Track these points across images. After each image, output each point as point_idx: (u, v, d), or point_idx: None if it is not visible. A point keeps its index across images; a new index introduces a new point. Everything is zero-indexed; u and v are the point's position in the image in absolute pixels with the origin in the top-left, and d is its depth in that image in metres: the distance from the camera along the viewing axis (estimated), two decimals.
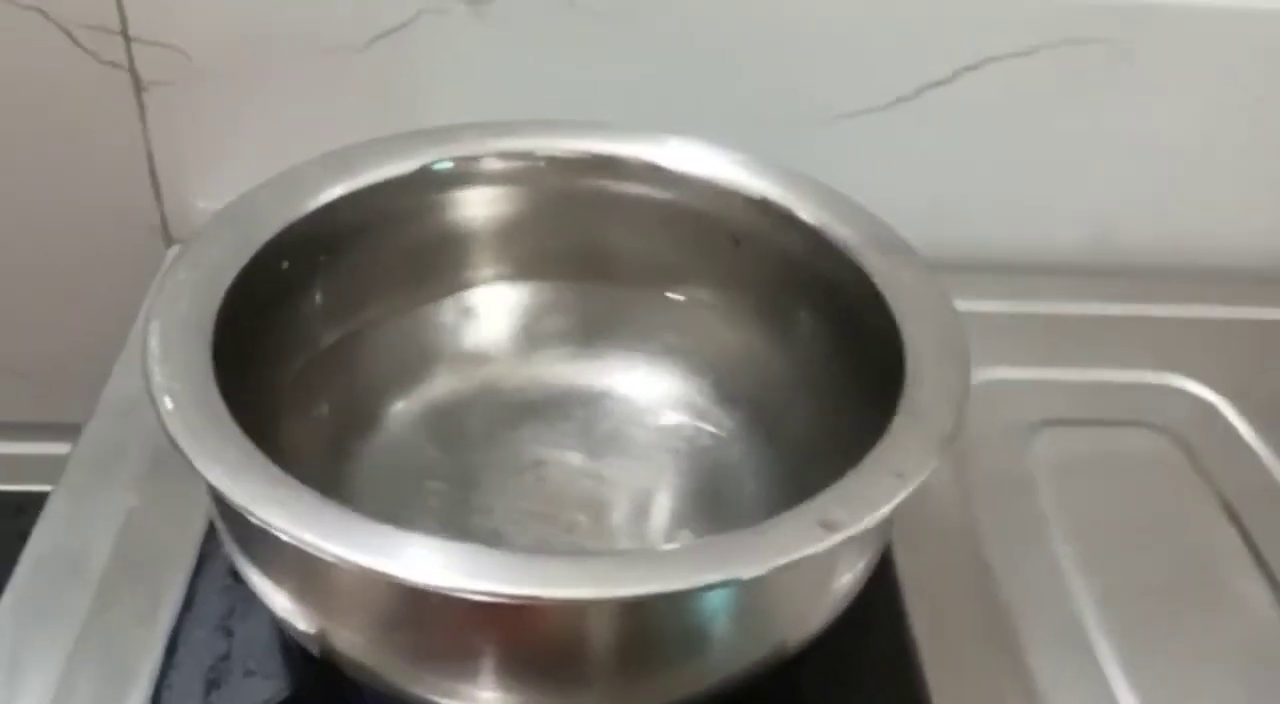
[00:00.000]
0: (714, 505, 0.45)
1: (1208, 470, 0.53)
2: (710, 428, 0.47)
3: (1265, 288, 0.62)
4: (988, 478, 0.52)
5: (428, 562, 0.30)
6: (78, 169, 0.59)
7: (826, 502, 0.33)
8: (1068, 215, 0.63)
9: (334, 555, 0.30)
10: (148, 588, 0.44)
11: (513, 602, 0.30)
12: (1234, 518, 0.51)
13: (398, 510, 0.44)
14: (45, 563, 0.45)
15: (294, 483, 0.32)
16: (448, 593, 0.29)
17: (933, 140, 0.59)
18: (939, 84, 0.58)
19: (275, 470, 0.32)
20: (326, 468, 0.44)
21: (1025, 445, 0.53)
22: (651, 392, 0.48)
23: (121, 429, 0.50)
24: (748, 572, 0.32)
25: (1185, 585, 0.48)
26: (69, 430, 0.51)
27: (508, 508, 0.44)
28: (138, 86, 0.57)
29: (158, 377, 0.34)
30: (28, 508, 0.50)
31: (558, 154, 0.46)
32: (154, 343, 0.35)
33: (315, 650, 0.36)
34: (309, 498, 0.31)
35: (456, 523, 0.44)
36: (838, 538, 0.32)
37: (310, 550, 0.30)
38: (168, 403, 0.33)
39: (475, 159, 0.45)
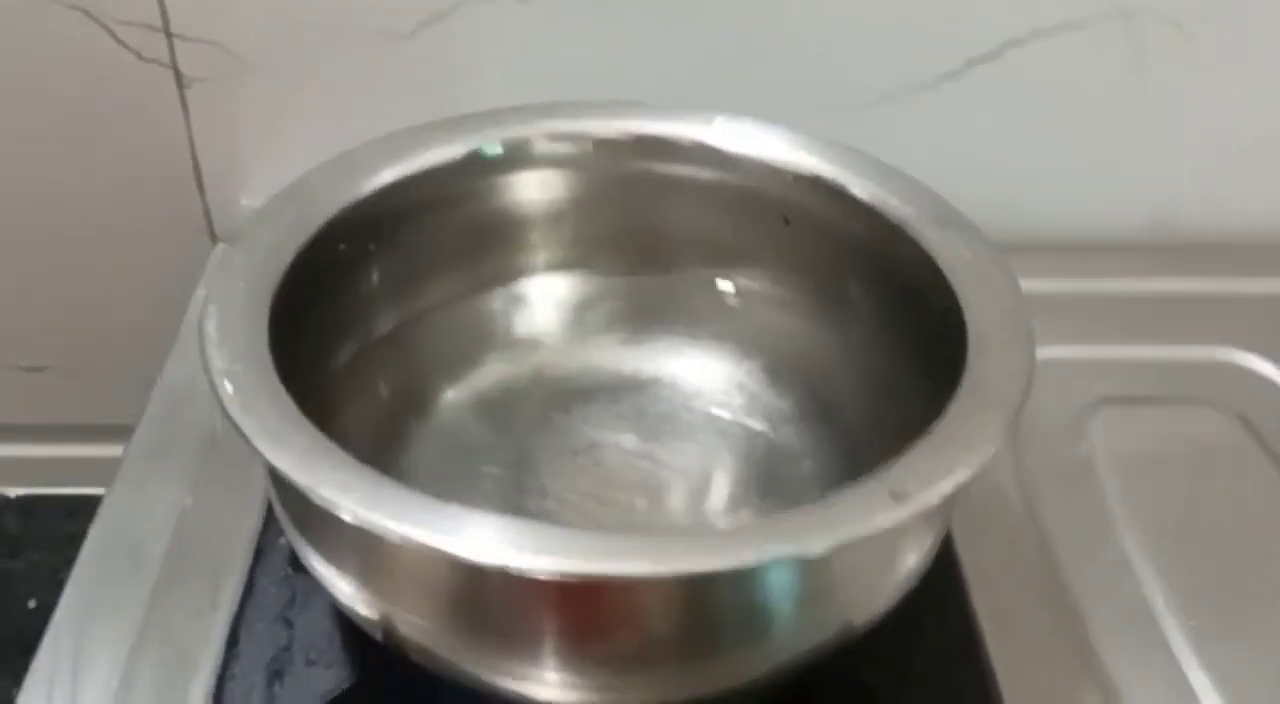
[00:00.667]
0: (771, 486, 0.45)
1: (1272, 448, 0.51)
2: (763, 410, 0.47)
3: None
4: (1047, 460, 0.51)
5: (492, 539, 0.30)
6: (122, 167, 0.59)
7: (895, 474, 0.32)
8: (1124, 194, 0.62)
9: (400, 534, 0.30)
10: (206, 580, 0.44)
11: (577, 580, 0.29)
12: None
13: (454, 494, 0.43)
14: (104, 557, 0.45)
15: (356, 464, 0.32)
16: (511, 571, 0.29)
17: (981, 117, 0.58)
18: (986, 60, 0.57)
19: (338, 452, 0.32)
20: (382, 451, 0.43)
21: (1085, 425, 0.52)
22: (704, 376, 0.48)
23: (174, 426, 0.50)
24: (817, 545, 0.31)
25: (1254, 571, 0.46)
26: (117, 432, 0.51)
27: (563, 490, 0.44)
28: (180, 83, 0.57)
29: (217, 361, 0.34)
30: (78, 511, 0.50)
31: (606, 135, 0.45)
32: (211, 327, 0.35)
33: (378, 635, 0.36)
34: (372, 478, 0.31)
35: (512, 505, 0.43)
36: (909, 510, 0.31)
37: (376, 530, 0.30)
38: (228, 387, 0.33)
39: (525, 142, 0.44)
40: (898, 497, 0.31)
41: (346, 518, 0.30)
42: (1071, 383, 0.54)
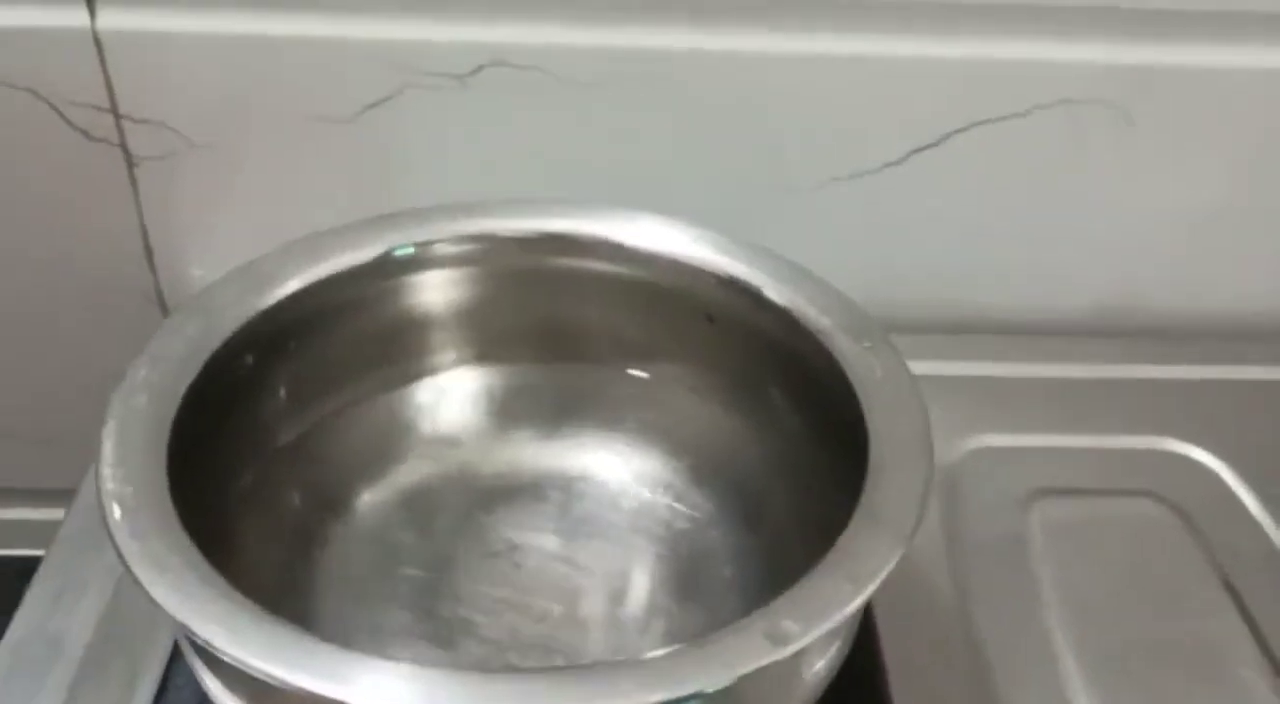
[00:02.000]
0: (691, 592, 0.45)
1: (1207, 540, 0.51)
2: (687, 510, 0.47)
3: (1269, 347, 0.61)
4: (980, 548, 0.50)
5: (341, 673, 0.30)
6: (72, 243, 0.60)
7: (777, 611, 0.32)
8: (1069, 281, 0.62)
9: (260, 671, 0.30)
10: (125, 671, 0.44)
11: None
12: (1232, 591, 0.49)
13: (369, 598, 0.43)
14: (23, 649, 0.45)
15: (238, 598, 0.32)
16: None
17: (924, 205, 0.59)
18: (928, 147, 0.57)
19: (220, 582, 0.32)
20: (297, 555, 0.43)
21: (1020, 515, 0.52)
22: (626, 473, 0.48)
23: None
24: (699, 685, 0.31)
25: (1181, 663, 0.46)
26: (68, 496, 0.51)
27: (480, 595, 0.44)
28: (129, 162, 0.57)
29: (109, 483, 0.34)
30: (28, 573, 0.50)
31: (518, 234, 0.45)
32: (108, 446, 0.35)
33: None
34: (249, 613, 0.31)
35: (427, 610, 0.43)
36: (788, 651, 0.31)
37: (241, 666, 0.30)
38: (116, 511, 0.33)
39: (436, 243, 0.45)
40: (777, 639, 0.31)
41: (219, 655, 0.30)
42: (1009, 471, 0.54)
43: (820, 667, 0.37)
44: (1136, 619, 0.48)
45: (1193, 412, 0.57)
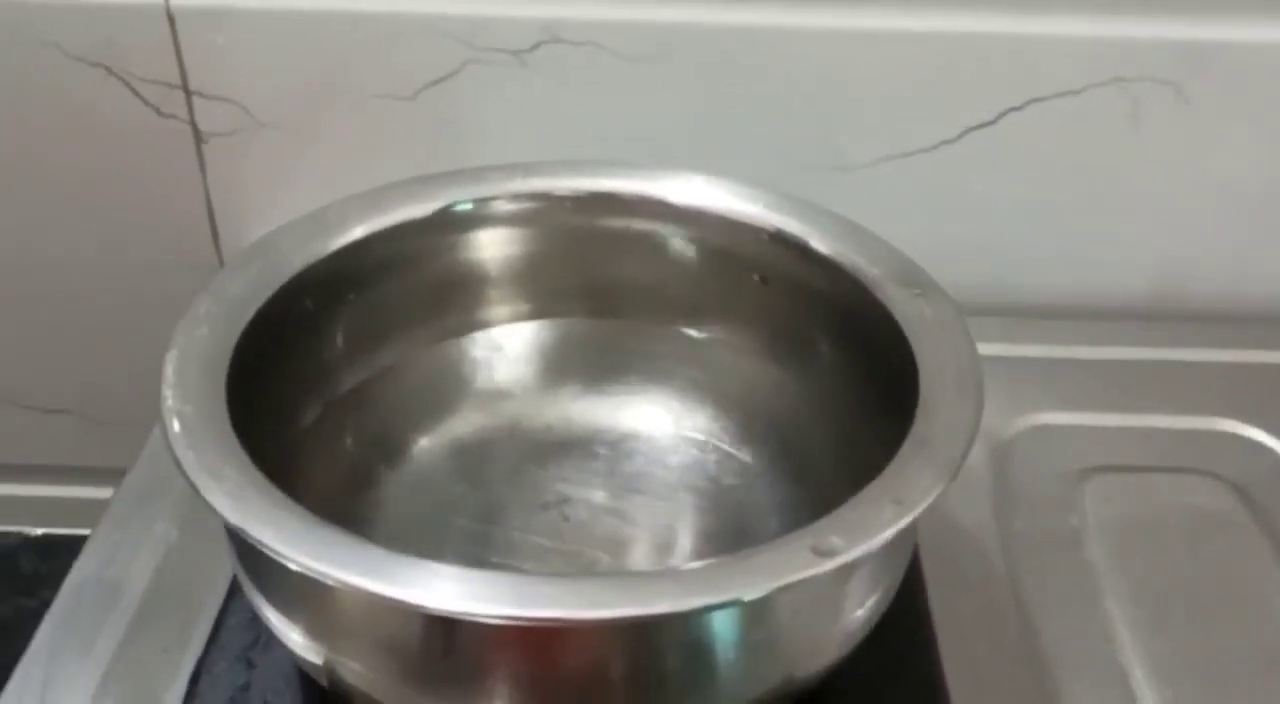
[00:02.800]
0: (738, 544, 0.44)
1: (1267, 520, 0.50)
2: (735, 465, 0.47)
3: None
4: (1034, 526, 0.50)
5: (392, 573, 0.30)
6: (139, 218, 0.61)
7: (823, 528, 0.32)
8: (1126, 261, 0.61)
9: (313, 569, 0.30)
10: (179, 619, 0.45)
11: (485, 621, 0.30)
12: None
13: (419, 545, 0.44)
14: (84, 592, 0.46)
15: (288, 502, 0.32)
16: (409, 606, 0.29)
17: (978, 184, 0.59)
18: (983, 126, 0.57)
19: (275, 492, 0.33)
20: (351, 502, 0.44)
21: (1074, 493, 0.51)
22: (675, 428, 0.48)
23: (168, 466, 0.51)
24: (737, 594, 0.31)
25: (1243, 648, 0.45)
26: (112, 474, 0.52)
27: (529, 544, 0.44)
28: (198, 139, 0.59)
29: (169, 400, 0.35)
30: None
31: (572, 192, 0.46)
32: (169, 369, 0.36)
33: (323, 681, 0.37)
34: (302, 518, 0.32)
35: (477, 558, 0.44)
36: (831, 564, 0.31)
37: (298, 566, 0.30)
38: (175, 425, 0.34)
39: (494, 199, 0.45)
40: (822, 552, 0.31)
41: (270, 554, 0.31)
42: (1065, 450, 0.54)
43: (864, 610, 0.37)
44: (1194, 595, 0.47)
45: (1250, 393, 0.56)
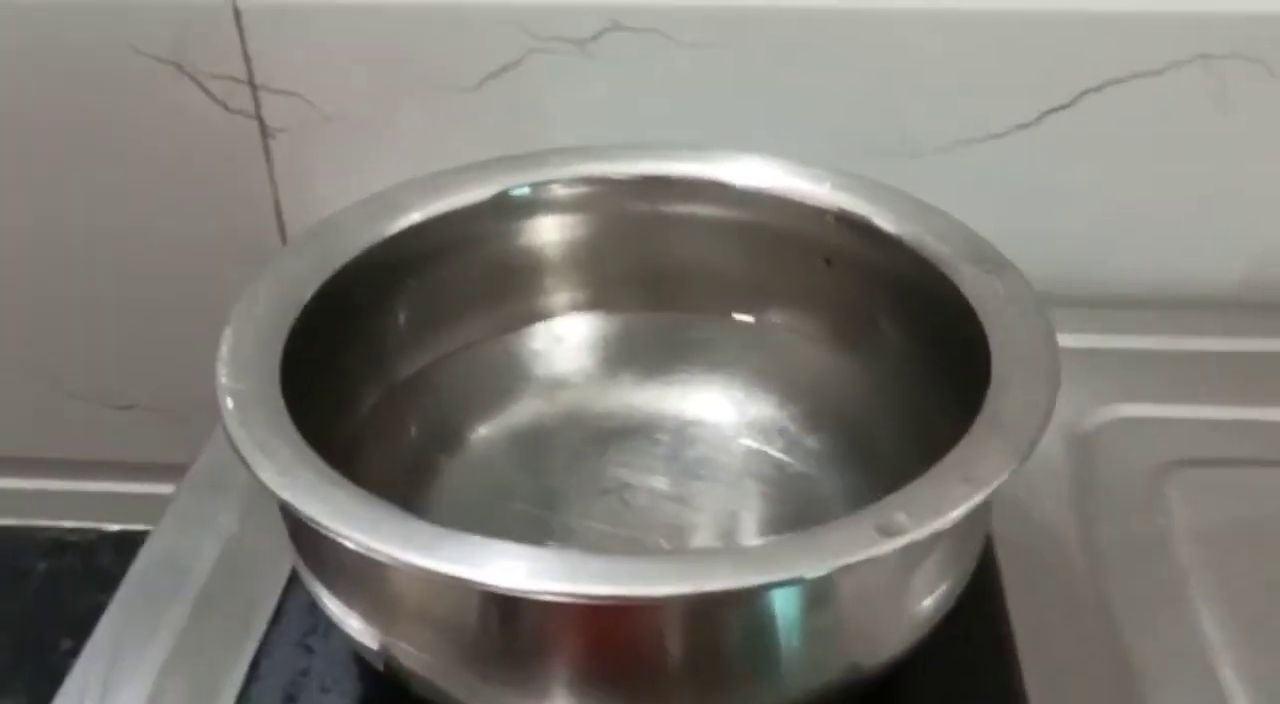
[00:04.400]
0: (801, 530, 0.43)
1: None
2: (800, 452, 0.46)
3: None
4: (1117, 523, 0.48)
5: (449, 550, 0.29)
6: (208, 213, 0.62)
7: (889, 506, 0.31)
8: (1214, 248, 0.59)
9: (364, 544, 0.30)
10: (241, 605, 0.45)
11: (540, 599, 0.29)
12: None
13: (480, 530, 0.43)
14: (149, 579, 0.47)
15: (340, 478, 0.32)
16: (466, 582, 0.29)
17: (1057, 169, 0.57)
18: (1061, 108, 0.55)
19: (326, 470, 0.32)
20: (409, 488, 0.44)
21: (1161, 488, 0.49)
22: (738, 417, 0.47)
23: (230, 460, 0.52)
24: (799, 572, 0.30)
25: None
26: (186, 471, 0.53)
27: (589, 530, 0.44)
28: (264, 133, 0.59)
29: (223, 378, 0.35)
30: None
31: (630, 176, 0.45)
32: (225, 347, 0.36)
33: (380, 666, 0.36)
34: (354, 495, 0.31)
35: (536, 543, 0.43)
36: (896, 543, 0.30)
37: (352, 542, 0.30)
38: (230, 402, 0.34)
39: (551, 184, 0.45)
40: (887, 531, 0.30)
41: (321, 530, 0.30)
42: (1151, 443, 0.52)
43: (931, 598, 0.35)
44: None
45: None
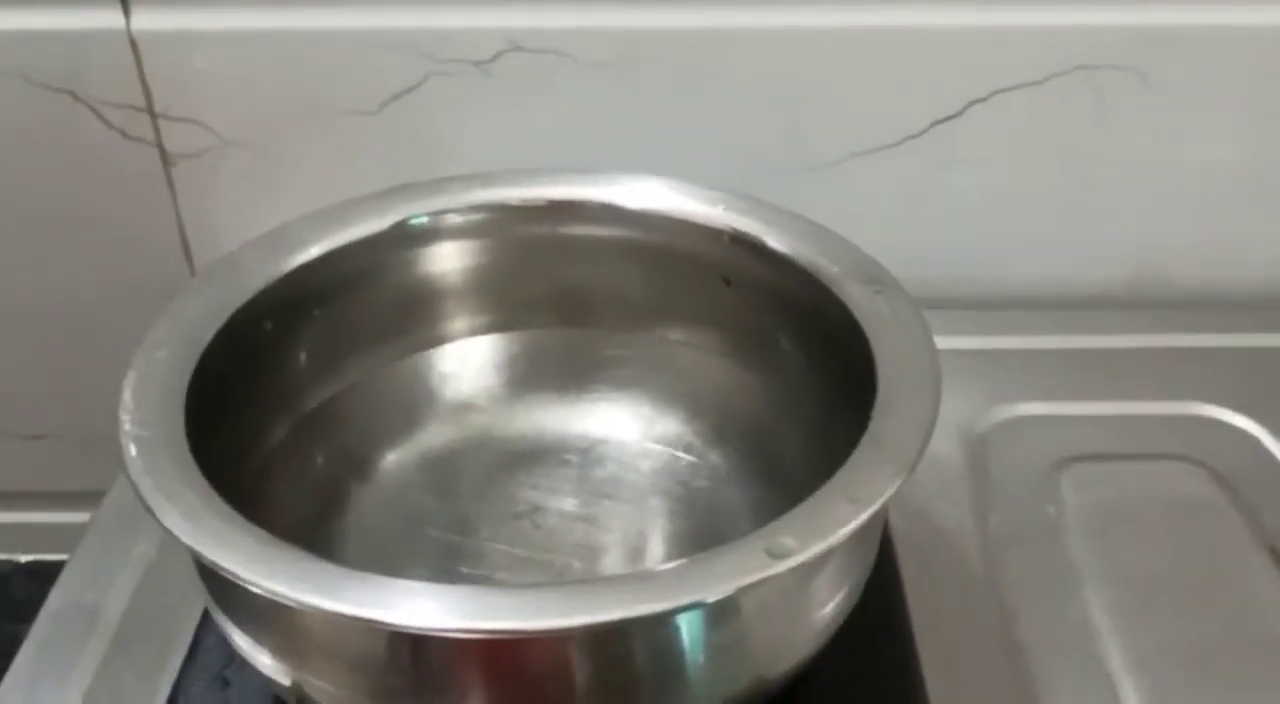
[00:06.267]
0: (708, 546, 0.44)
1: (1247, 506, 0.50)
2: (705, 468, 0.47)
3: None
4: (1011, 518, 0.50)
5: (353, 592, 0.30)
6: (112, 241, 0.61)
7: (777, 529, 0.32)
8: (1099, 250, 0.61)
9: (266, 588, 0.30)
10: (157, 640, 0.45)
11: (444, 635, 0.30)
12: (1276, 555, 0.48)
13: (392, 558, 0.44)
14: (63, 616, 0.46)
15: (245, 523, 0.32)
16: (371, 623, 0.30)
17: (946, 177, 0.59)
18: (949, 118, 0.57)
19: (231, 513, 0.33)
20: (321, 520, 0.44)
21: (1052, 482, 0.51)
22: (645, 434, 0.48)
23: None
24: (696, 596, 0.31)
25: (1224, 636, 0.45)
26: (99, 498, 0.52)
27: (501, 554, 0.44)
28: (165, 161, 0.59)
29: (126, 425, 0.35)
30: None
31: (528, 202, 0.46)
32: (127, 393, 0.36)
33: (293, 702, 0.37)
34: (257, 536, 0.32)
35: (449, 570, 0.44)
36: (785, 565, 0.31)
37: (245, 586, 0.30)
38: (133, 450, 0.34)
39: (450, 212, 0.46)
40: (774, 553, 0.31)
41: (225, 575, 0.31)
42: (1042, 441, 0.53)
43: (829, 607, 0.37)
44: (1174, 582, 0.47)
45: (1229, 378, 0.56)
